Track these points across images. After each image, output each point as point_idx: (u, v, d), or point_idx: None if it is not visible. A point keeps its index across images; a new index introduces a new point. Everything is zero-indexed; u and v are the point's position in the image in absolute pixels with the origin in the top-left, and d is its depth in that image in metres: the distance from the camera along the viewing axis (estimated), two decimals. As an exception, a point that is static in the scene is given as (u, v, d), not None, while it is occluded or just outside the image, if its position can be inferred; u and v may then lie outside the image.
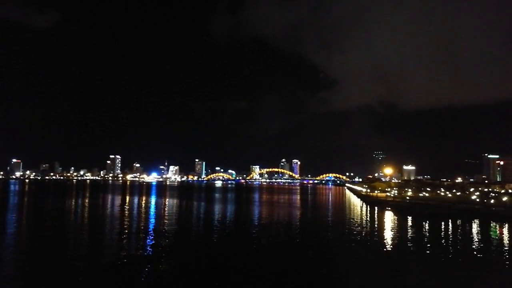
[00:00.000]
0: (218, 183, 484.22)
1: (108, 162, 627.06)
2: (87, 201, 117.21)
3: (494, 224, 68.58)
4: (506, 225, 66.73)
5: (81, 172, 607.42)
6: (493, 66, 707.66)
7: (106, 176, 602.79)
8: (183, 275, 31.52)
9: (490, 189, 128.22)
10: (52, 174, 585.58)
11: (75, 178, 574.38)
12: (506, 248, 46.06)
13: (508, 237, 55.20)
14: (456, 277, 32.00)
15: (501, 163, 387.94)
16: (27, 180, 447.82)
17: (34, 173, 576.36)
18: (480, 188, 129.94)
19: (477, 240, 52.60)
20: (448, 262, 38.05)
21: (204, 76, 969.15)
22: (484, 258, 40.21)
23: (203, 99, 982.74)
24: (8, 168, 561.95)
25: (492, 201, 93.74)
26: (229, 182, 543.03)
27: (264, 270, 33.12)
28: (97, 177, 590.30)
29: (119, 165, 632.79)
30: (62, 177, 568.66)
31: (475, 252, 43.56)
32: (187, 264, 35.41)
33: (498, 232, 61.60)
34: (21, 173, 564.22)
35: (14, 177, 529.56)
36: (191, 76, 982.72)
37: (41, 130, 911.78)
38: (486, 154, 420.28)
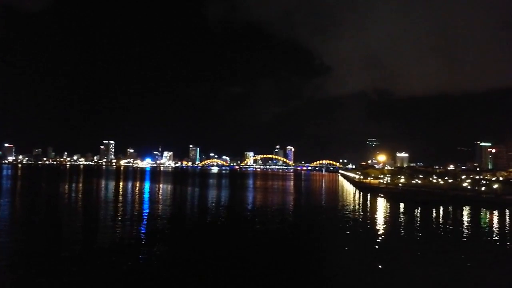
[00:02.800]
0: (214, 169, 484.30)
1: (102, 147, 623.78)
2: (80, 186, 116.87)
3: (485, 210, 69.71)
4: (496, 211, 67.81)
5: (75, 157, 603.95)
6: (487, 54, 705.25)
7: (99, 161, 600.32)
8: (178, 259, 31.73)
9: (481, 177, 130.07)
10: (45, 159, 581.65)
11: (69, 163, 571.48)
12: (495, 234, 46.95)
13: (497, 223, 56.15)
14: (444, 261, 32.57)
15: (493, 151, 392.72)
16: (19, 165, 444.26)
17: (27, 158, 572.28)
18: (471, 176, 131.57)
19: (467, 226, 53.50)
20: (438, 247, 38.64)
21: (199, 61, 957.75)
22: (473, 244, 40.99)
23: (197, 84, 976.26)
24: (1, 152, 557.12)
25: (483, 188, 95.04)
26: (223, 168, 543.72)
27: (258, 253, 33.48)
28: (90, 162, 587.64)
29: (113, 150, 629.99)
30: (55, 162, 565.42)
31: (464, 238, 44.38)
32: (182, 248, 35.64)
33: (488, 218, 62.66)
34: (14, 158, 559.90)
35: (6, 161, 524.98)
36: (185, 61, 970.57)
37: (34, 115, 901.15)
38: (478, 142, 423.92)
